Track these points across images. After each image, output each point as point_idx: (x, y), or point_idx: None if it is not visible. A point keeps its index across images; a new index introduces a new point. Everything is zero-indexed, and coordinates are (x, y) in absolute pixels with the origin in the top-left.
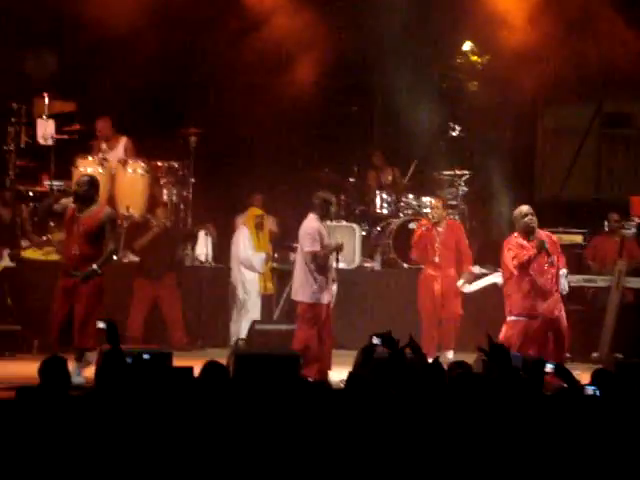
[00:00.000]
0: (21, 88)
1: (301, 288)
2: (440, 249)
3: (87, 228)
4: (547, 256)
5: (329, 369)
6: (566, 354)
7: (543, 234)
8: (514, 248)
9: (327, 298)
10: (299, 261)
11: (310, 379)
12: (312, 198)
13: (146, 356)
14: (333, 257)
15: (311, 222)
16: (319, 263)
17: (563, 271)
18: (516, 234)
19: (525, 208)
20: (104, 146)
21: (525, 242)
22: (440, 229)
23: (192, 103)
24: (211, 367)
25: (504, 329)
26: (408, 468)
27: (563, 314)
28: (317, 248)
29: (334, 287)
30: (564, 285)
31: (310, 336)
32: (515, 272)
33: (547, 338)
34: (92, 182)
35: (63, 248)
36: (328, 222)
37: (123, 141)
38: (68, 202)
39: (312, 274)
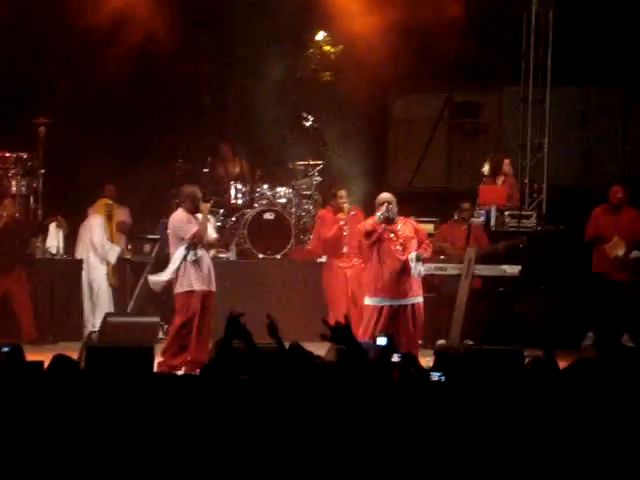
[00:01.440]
0: None
1: (177, 279)
2: (348, 239)
3: None
4: (397, 240)
5: (205, 360)
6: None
7: (405, 220)
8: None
9: (200, 285)
10: (172, 253)
11: (179, 370)
12: (179, 193)
13: (5, 349)
14: (199, 245)
15: (180, 214)
16: (197, 247)
17: (412, 255)
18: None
19: (383, 196)
20: None
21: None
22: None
23: (40, 92)
24: (59, 361)
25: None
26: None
27: (418, 300)
28: (194, 230)
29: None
30: (415, 269)
31: (181, 325)
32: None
33: (400, 323)
34: None
35: None
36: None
37: None
38: None
39: (186, 263)
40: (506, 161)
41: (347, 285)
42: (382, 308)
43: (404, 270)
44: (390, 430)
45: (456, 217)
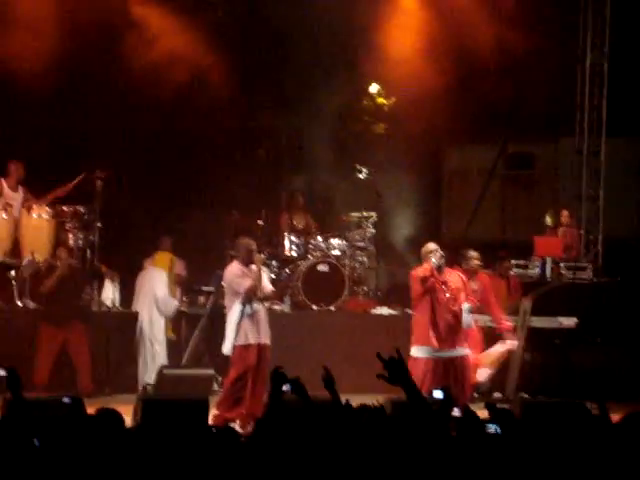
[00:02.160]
0: None
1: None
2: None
3: None
4: (447, 290)
5: (259, 414)
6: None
7: (451, 271)
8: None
9: (256, 339)
10: (230, 307)
11: (234, 424)
12: (234, 245)
13: (66, 400)
14: (254, 298)
15: (234, 267)
16: (251, 300)
17: (465, 305)
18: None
19: (432, 245)
20: (5, 188)
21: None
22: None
23: (96, 146)
24: (104, 414)
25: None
26: None
27: (467, 352)
28: (249, 283)
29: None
30: (466, 320)
31: (236, 378)
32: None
33: (451, 376)
34: None
35: None
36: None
37: (22, 190)
38: None
39: (243, 316)
40: (564, 212)
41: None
42: (436, 360)
43: (455, 321)
44: None
45: (497, 271)
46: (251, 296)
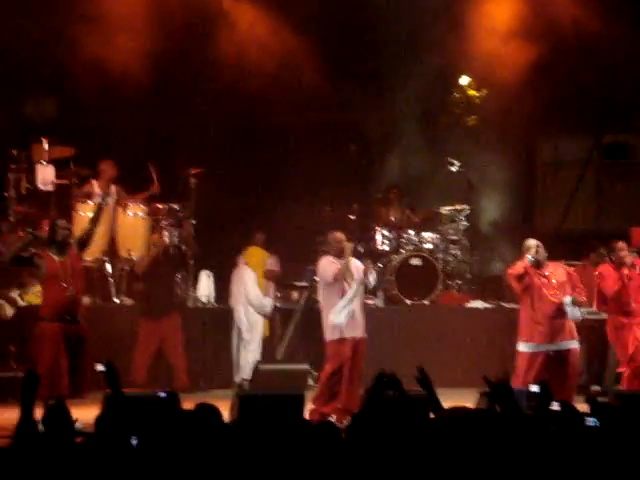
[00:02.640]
0: (20, 134)
1: (328, 325)
2: (634, 294)
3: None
4: (549, 283)
5: (355, 408)
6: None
7: (556, 265)
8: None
9: (351, 333)
10: (324, 300)
11: (330, 418)
12: (325, 240)
13: (162, 394)
14: (352, 290)
15: (324, 260)
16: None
17: (567, 298)
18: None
19: (532, 241)
20: (96, 187)
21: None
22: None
23: (190, 143)
24: (203, 410)
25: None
26: None
27: (574, 344)
28: (335, 269)
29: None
30: (572, 313)
31: (332, 373)
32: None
33: (555, 369)
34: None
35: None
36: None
37: (114, 189)
38: None
39: (333, 310)
40: None
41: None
42: (538, 355)
43: (558, 314)
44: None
45: (591, 260)
46: (338, 281)
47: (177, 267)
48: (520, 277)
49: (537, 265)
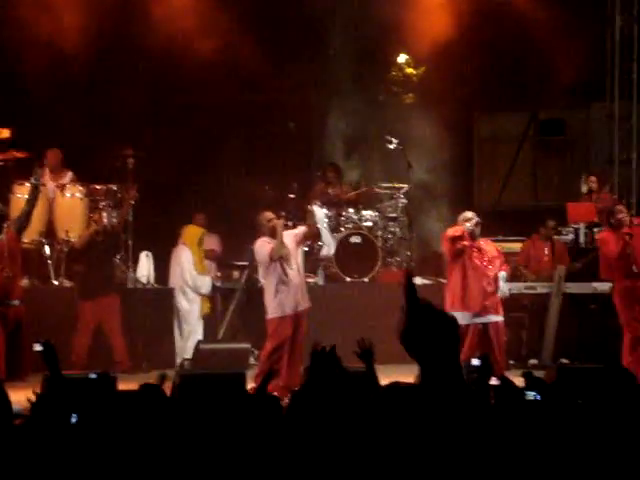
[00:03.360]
0: None
1: (268, 304)
2: (638, 255)
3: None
4: (482, 256)
5: (296, 386)
6: (509, 362)
7: (487, 241)
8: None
9: (292, 309)
10: (263, 279)
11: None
12: (257, 221)
13: (92, 376)
14: (288, 267)
15: (259, 242)
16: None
17: (503, 273)
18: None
19: (469, 214)
20: (46, 176)
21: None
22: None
23: (130, 123)
24: (146, 390)
25: None
26: None
27: (500, 318)
28: (268, 248)
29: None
30: (503, 288)
31: (272, 350)
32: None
33: (485, 342)
34: None
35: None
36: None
37: (68, 175)
38: None
39: (275, 288)
40: (592, 178)
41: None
42: (469, 326)
43: (489, 287)
44: (489, 452)
45: (541, 234)
46: (274, 258)
47: (115, 248)
48: (455, 239)
49: (473, 236)
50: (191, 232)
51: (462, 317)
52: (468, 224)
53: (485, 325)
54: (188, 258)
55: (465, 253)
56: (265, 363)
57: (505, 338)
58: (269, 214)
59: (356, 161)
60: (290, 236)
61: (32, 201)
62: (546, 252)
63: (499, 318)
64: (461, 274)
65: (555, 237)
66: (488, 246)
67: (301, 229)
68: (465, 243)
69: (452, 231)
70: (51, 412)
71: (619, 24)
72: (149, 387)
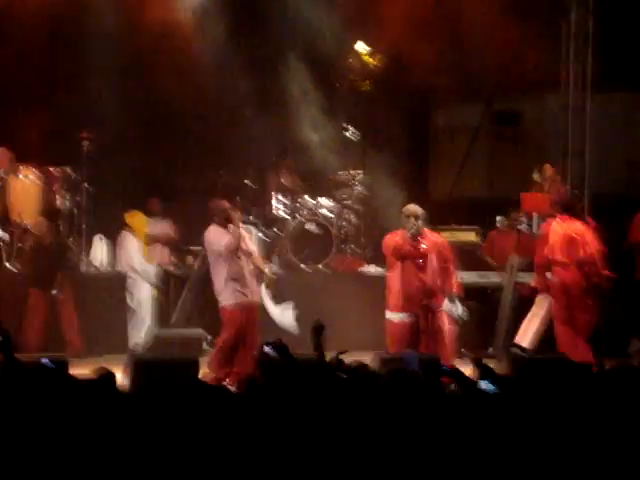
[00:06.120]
0: None
1: (220, 292)
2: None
3: None
4: (417, 254)
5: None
6: (461, 350)
7: (428, 233)
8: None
9: (245, 298)
10: (214, 267)
11: (225, 383)
12: (209, 208)
13: (46, 361)
14: (240, 257)
15: (212, 229)
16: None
17: (446, 304)
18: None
19: (412, 208)
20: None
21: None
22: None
23: (83, 106)
24: (101, 375)
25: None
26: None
27: (443, 313)
28: (227, 240)
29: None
30: (456, 311)
31: (227, 338)
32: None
33: (428, 338)
34: None
35: None
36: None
37: (22, 170)
38: None
39: (228, 276)
40: (547, 166)
41: None
42: (407, 323)
43: (425, 285)
44: (443, 442)
45: (501, 225)
46: (232, 252)
47: (63, 252)
48: (396, 250)
49: (413, 237)
50: (136, 219)
51: (399, 316)
52: (411, 226)
53: (425, 318)
54: (134, 244)
55: (405, 257)
56: (220, 350)
57: (451, 327)
58: (224, 203)
59: (312, 147)
60: (244, 232)
61: None
62: (511, 242)
63: (441, 309)
64: (398, 275)
65: (520, 227)
66: (429, 240)
67: (253, 250)
68: (406, 249)
69: (393, 241)
70: (6, 398)
71: (574, 15)
72: (102, 373)
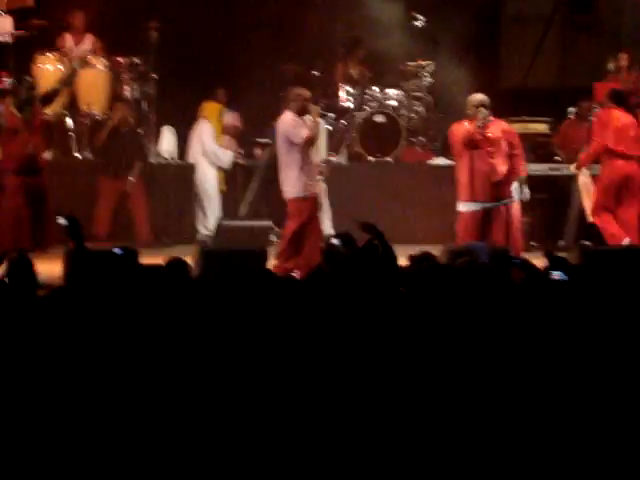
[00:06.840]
0: None
1: (289, 183)
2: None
3: None
4: (487, 142)
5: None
6: (530, 243)
7: (496, 121)
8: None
9: (311, 190)
10: (286, 157)
11: (293, 273)
12: (287, 95)
13: (117, 250)
14: (314, 150)
15: (288, 117)
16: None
17: (515, 185)
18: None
19: (479, 97)
20: (70, 42)
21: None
22: None
23: None
24: (174, 264)
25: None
26: (377, 362)
27: (513, 203)
28: (306, 133)
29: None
30: (523, 193)
31: (294, 230)
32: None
33: (494, 227)
34: None
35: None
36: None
37: (90, 38)
38: None
39: (300, 168)
40: (623, 56)
41: None
42: (478, 213)
43: (496, 172)
44: (517, 332)
45: (571, 116)
46: (308, 145)
47: (139, 139)
48: (465, 140)
49: (481, 126)
50: (210, 107)
51: (469, 206)
52: (481, 116)
53: (496, 209)
54: (209, 132)
55: (474, 146)
56: (287, 242)
57: (522, 219)
58: (307, 92)
59: (382, 37)
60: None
61: (66, 82)
62: (582, 134)
63: (510, 201)
64: (467, 165)
65: (591, 119)
66: (495, 127)
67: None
68: (477, 137)
69: (462, 130)
70: (76, 285)
71: None
72: (175, 262)
